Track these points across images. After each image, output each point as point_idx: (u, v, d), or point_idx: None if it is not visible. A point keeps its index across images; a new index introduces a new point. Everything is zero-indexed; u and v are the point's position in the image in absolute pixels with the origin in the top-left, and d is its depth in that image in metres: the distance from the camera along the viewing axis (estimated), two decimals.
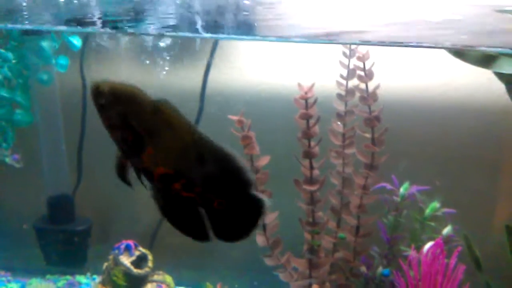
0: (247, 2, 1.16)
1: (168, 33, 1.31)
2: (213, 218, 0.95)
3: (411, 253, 1.45)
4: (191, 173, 0.91)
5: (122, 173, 0.99)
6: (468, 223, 1.53)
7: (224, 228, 0.96)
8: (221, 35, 1.49)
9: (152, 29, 1.24)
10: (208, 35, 1.36)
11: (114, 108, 0.90)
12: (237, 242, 0.97)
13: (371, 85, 1.56)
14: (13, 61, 1.75)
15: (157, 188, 0.96)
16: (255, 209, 0.94)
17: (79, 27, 1.38)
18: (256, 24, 1.28)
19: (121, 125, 0.91)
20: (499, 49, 1.17)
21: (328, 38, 1.31)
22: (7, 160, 1.80)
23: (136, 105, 0.90)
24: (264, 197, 0.94)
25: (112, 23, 1.27)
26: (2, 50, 1.73)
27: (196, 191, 0.92)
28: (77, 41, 1.76)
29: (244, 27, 1.24)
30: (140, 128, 0.91)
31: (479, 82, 1.74)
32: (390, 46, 1.47)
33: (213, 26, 1.22)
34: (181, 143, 0.91)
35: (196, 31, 1.22)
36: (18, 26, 1.58)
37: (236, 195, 0.93)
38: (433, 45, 1.23)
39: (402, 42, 1.23)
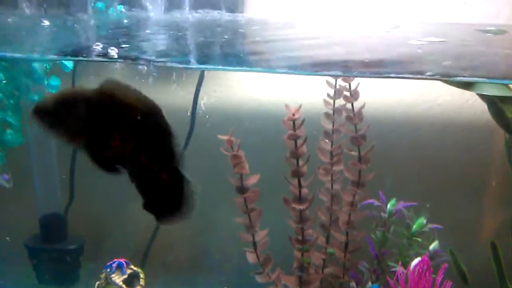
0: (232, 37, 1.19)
1: (157, 63, 1.33)
2: (152, 190, 0.98)
3: (399, 269, 1.48)
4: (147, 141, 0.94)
5: (104, 163, 0.99)
6: (454, 239, 1.56)
7: (159, 202, 1.00)
8: (209, 66, 1.53)
9: (141, 59, 1.27)
10: (195, 66, 1.39)
11: (66, 116, 0.90)
12: (167, 220, 1.01)
13: (357, 104, 1.59)
14: (4, 81, 1.76)
15: (131, 170, 0.98)
16: (182, 186, 0.99)
17: (71, 56, 1.40)
18: (242, 56, 1.32)
19: (80, 127, 0.91)
20: (480, 79, 1.21)
21: (313, 70, 1.34)
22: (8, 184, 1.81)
23: (83, 101, 0.90)
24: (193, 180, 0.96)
25: (103, 53, 1.30)
26: None
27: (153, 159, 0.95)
28: (68, 63, 1.78)
29: (231, 60, 1.27)
30: (98, 119, 0.91)
31: (463, 99, 1.78)
32: (371, 77, 1.51)
33: (202, 58, 1.26)
34: (135, 112, 0.93)
35: (186, 62, 1.25)
36: (11, 54, 1.60)
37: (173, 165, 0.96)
38: (414, 76, 1.27)
39: (383, 74, 1.26)
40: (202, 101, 1.91)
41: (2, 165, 1.82)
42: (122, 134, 0.94)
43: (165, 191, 1.00)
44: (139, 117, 0.93)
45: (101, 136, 0.94)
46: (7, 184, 1.80)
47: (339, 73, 1.43)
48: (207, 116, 1.91)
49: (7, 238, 1.98)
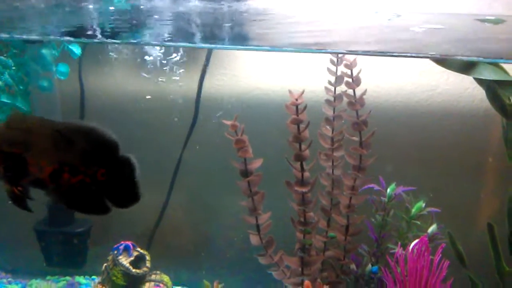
0: (241, 16, 1.23)
1: (167, 43, 1.37)
2: (103, 189, 1.03)
3: (398, 250, 1.52)
4: (69, 158, 0.99)
5: (19, 202, 1.06)
6: (452, 222, 1.60)
7: (115, 193, 1.05)
8: (218, 45, 1.56)
9: (151, 39, 1.30)
10: (206, 45, 1.42)
11: None
12: (130, 203, 1.06)
13: (358, 90, 1.63)
14: (13, 68, 1.79)
15: (53, 190, 1.02)
16: (129, 167, 1.04)
17: (79, 38, 1.44)
18: (250, 35, 1.35)
19: None
20: (477, 58, 1.25)
21: (317, 48, 1.38)
22: None
23: None
24: (130, 155, 1.03)
25: (111, 34, 1.34)
26: (3, 57, 1.77)
27: (81, 171, 1.00)
28: (76, 50, 1.82)
29: (239, 38, 1.31)
30: (12, 149, 0.98)
31: (463, 87, 1.82)
32: (375, 55, 1.55)
33: (211, 37, 1.29)
34: (48, 138, 0.99)
35: (194, 42, 1.29)
36: (20, 36, 1.64)
37: (110, 160, 1.01)
38: (416, 55, 1.30)
39: (387, 52, 1.30)
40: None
41: None
42: (37, 158, 0.99)
43: (123, 181, 1.06)
44: (49, 139, 0.99)
45: (17, 165, 0.99)
46: None
47: (344, 51, 1.46)
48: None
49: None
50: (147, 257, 1.89)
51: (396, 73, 1.84)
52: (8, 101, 1.76)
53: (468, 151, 1.84)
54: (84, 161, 1.00)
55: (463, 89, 1.82)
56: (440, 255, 1.46)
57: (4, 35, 1.62)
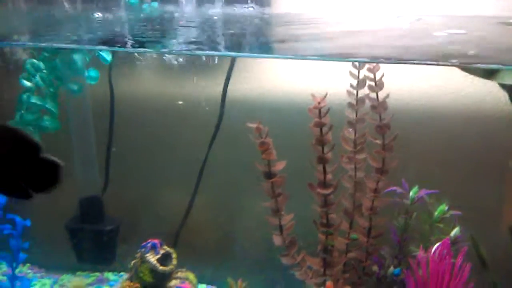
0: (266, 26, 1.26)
1: (195, 52, 1.42)
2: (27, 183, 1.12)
3: (420, 253, 1.53)
4: None
5: None
6: (475, 225, 1.60)
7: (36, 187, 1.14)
8: (243, 54, 1.60)
9: (179, 49, 1.35)
10: (233, 53, 1.46)
11: None
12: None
13: (381, 94, 1.65)
14: (45, 71, 1.85)
15: None
16: (53, 169, 1.13)
17: (110, 46, 1.50)
18: (274, 45, 1.39)
19: None
20: (499, 66, 1.25)
21: (341, 56, 1.41)
22: None
23: None
24: (55, 159, 1.12)
25: (140, 43, 1.39)
26: (35, 60, 1.85)
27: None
28: (107, 56, 1.89)
29: (264, 47, 1.35)
30: None
31: (487, 90, 1.81)
32: (398, 63, 1.56)
33: (236, 46, 1.33)
34: None
35: (221, 50, 1.33)
36: (52, 44, 1.71)
37: (31, 162, 1.10)
38: (438, 63, 1.32)
39: (408, 60, 1.32)
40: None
41: None
42: None
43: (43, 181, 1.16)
44: None
45: None
46: None
47: (367, 60, 1.49)
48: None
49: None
50: (173, 255, 1.95)
51: (419, 77, 1.85)
52: (38, 103, 1.83)
53: (492, 154, 1.83)
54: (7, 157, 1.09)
55: (487, 92, 1.81)
56: (462, 258, 1.47)
57: (37, 43, 1.70)
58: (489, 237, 1.68)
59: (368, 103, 1.67)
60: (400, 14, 1.65)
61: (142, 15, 1.79)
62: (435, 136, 1.87)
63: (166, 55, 1.93)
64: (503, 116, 1.80)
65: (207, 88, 2.00)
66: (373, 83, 1.63)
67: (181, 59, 1.87)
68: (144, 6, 1.78)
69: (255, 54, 1.69)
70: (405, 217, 1.68)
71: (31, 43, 1.78)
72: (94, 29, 1.69)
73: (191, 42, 1.42)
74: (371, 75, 1.63)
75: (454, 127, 1.85)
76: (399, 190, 1.67)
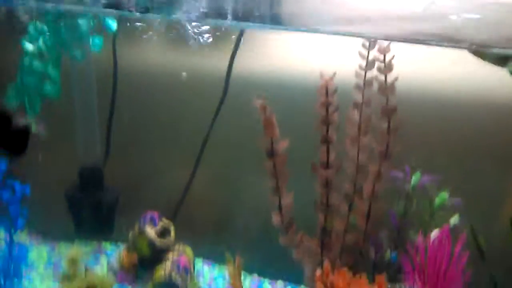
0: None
1: (206, 21, 1.38)
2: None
3: (419, 238, 1.53)
4: None
5: None
6: (476, 215, 1.59)
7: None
8: (256, 24, 1.56)
9: (190, 15, 1.31)
10: (244, 23, 1.42)
11: None
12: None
13: (390, 77, 1.62)
14: (48, 33, 1.81)
15: None
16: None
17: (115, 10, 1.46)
18: (288, 16, 1.35)
19: None
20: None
21: (354, 32, 1.37)
22: (34, 128, 1.89)
23: None
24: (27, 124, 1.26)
25: (146, 8, 1.35)
26: (38, 23, 1.81)
27: None
28: (113, 23, 1.85)
29: (277, 18, 1.31)
30: None
31: (497, 77, 1.77)
32: (411, 43, 1.53)
33: (249, 16, 1.30)
34: None
35: (232, 20, 1.30)
36: (54, 5, 1.66)
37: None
38: (453, 45, 1.29)
39: (423, 40, 1.29)
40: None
41: (36, 115, 1.90)
42: None
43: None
44: None
45: None
46: (41, 133, 1.89)
47: (381, 36, 1.45)
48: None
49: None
50: (172, 229, 1.95)
51: (429, 62, 1.81)
52: (39, 68, 1.80)
53: (500, 143, 1.81)
54: None
55: (498, 80, 1.78)
56: (461, 247, 1.46)
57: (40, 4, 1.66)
58: (489, 228, 1.68)
59: (375, 86, 1.64)
60: None
61: None
62: (442, 122, 1.84)
63: (173, 26, 1.89)
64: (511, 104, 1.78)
65: (214, 61, 1.96)
66: (382, 65, 1.60)
67: (188, 31, 1.83)
68: None
69: (269, 26, 1.64)
70: (405, 202, 1.68)
71: (33, 3, 1.73)
72: None
73: (198, 11, 1.39)
74: (381, 57, 1.59)
75: (462, 114, 1.83)
76: (401, 175, 1.66)
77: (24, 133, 1.28)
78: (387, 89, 1.61)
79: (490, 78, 1.78)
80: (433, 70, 1.83)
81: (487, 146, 1.82)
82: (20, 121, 1.27)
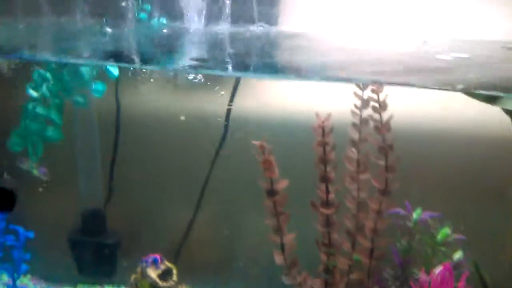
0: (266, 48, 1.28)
1: (201, 71, 1.44)
2: None
3: (422, 275, 1.52)
4: None
5: None
6: (478, 250, 1.59)
7: None
8: (248, 74, 1.62)
9: (185, 66, 1.37)
10: (237, 74, 1.48)
11: None
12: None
13: (385, 115, 1.65)
14: (52, 82, 1.86)
15: None
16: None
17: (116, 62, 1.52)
18: (279, 66, 1.41)
19: None
20: (499, 93, 1.26)
21: (344, 79, 1.42)
22: (35, 172, 1.92)
23: None
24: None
25: (146, 60, 1.41)
26: (42, 70, 1.87)
27: None
28: (114, 70, 1.91)
29: (269, 68, 1.37)
30: None
31: (491, 113, 1.80)
32: (402, 86, 1.57)
33: (242, 66, 1.35)
34: None
35: (226, 70, 1.35)
36: (57, 59, 1.73)
37: None
38: (440, 88, 1.32)
39: (412, 85, 1.33)
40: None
41: (39, 159, 1.93)
42: None
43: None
44: None
45: None
46: (44, 177, 1.93)
47: (369, 80, 1.50)
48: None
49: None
50: (174, 271, 1.94)
51: (424, 98, 1.85)
52: (43, 113, 1.85)
53: (496, 178, 1.82)
54: None
55: (491, 115, 1.81)
56: (465, 283, 1.45)
57: (45, 58, 1.72)
58: (492, 262, 1.66)
59: (372, 124, 1.67)
60: (408, 36, 1.66)
61: (150, 31, 1.81)
62: (439, 159, 1.86)
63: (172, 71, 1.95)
64: (507, 140, 1.80)
65: (212, 104, 2.01)
66: (376, 104, 1.63)
67: (187, 77, 1.89)
68: (153, 21, 1.81)
69: (258, 75, 1.71)
70: (407, 239, 1.67)
71: (39, 58, 1.80)
72: (103, 44, 1.71)
73: (197, 61, 1.44)
74: (375, 96, 1.63)
75: (458, 150, 1.85)
76: (402, 212, 1.67)
77: (11, 194, 1.30)
78: (382, 127, 1.64)
79: (485, 113, 1.81)
80: (427, 106, 1.86)
81: (484, 180, 1.83)
82: (6, 182, 1.31)
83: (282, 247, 1.70)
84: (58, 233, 2.12)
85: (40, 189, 2.09)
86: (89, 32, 1.81)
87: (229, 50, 1.45)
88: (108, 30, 1.75)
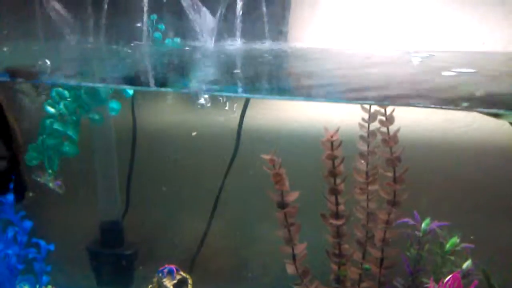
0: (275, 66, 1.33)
1: (211, 92, 1.50)
2: None
3: (430, 284, 1.54)
4: None
5: None
6: (488, 259, 1.61)
7: None
8: (256, 95, 1.68)
9: (196, 88, 1.43)
10: (246, 95, 1.54)
11: None
12: None
13: (392, 127, 1.69)
14: (69, 99, 1.94)
15: None
16: None
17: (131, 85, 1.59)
18: (286, 88, 1.46)
19: None
20: (502, 111, 1.29)
21: (348, 99, 1.47)
22: (50, 185, 1.99)
23: None
24: None
25: (161, 84, 1.48)
26: (60, 89, 1.94)
27: None
28: (129, 90, 1.98)
29: (277, 90, 1.43)
30: None
31: (500, 122, 1.83)
32: (409, 106, 1.61)
33: (250, 89, 1.41)
34: None
35: (236, 91, 1.41)
36: (75, 83, 1.81)
37: None
38: (446, 107, 1.36)
39: (418, 103, 1.37)
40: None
41: (55, 172, 2.00)
42: None
43: None
44: None
45: None
46: (60, 189, 2.00)
47: (374, 102, 1.55)
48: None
49: None
50: (189, 281, 1.99)
51: (431, 109, 1.88)
52: (60, 129, 1.92)
53: (505, 187, 1.84)
54: None
55: (500, 125, 1.83)
56: None
57: (60, 81, 1.80)
58: (502, 271, 1.68)
59: (379, 136, 1.71)
60: (413, 50, 1.70)
61: (165, 50, 1.87)
62: (447, 169, 1.89)
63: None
64: None
65: (225, 119, 2.07)
66: (383, 118, 1.67)
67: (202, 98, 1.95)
68: (167, 41, 1.87)
69: (268, 96, 1.76)
70: (417, 248, 1.70)
71: (55, 81, 1.88)
72: (117, 67, 1.78)
73: (209, 82, 1.51)
74: (382, 110, 1.67)
75: (466, 160, 1.87)
76: (411, 221, 1.70)
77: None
78: (390, 140, 1.68)
79: (492, 123, 1.84)
80: (436, 117, 1.90)
81: (493, 190, 1.85)
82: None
83: (294, 257, 1.74)
84: (77, 245, 2.19)
85: (60, 204, 2.18)
86: (104, 53, 1.88)
87: (239, 70, 1.51)
88: (123, 51, 1.82)
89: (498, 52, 1.63)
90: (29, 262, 1.91)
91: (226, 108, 2.03)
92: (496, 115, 1.35)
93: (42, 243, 1.89)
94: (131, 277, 2.17)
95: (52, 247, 1.91)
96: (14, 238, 1.85)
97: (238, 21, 1.74)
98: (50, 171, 1.95)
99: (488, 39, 1.62)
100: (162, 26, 1.82)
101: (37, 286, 1.96)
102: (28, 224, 1.86)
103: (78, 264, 2.21)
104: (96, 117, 1.99)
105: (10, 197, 1.82)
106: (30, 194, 1.91)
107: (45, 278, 1.94)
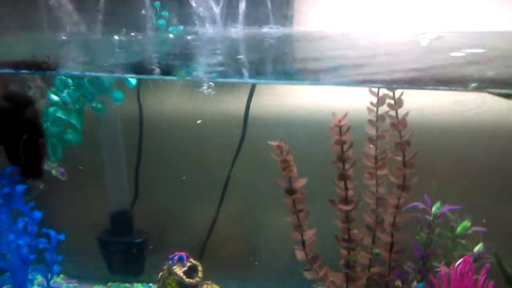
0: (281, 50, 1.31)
1: (217, 80, 1.48)
2: None
3: (441, 268, 1.54)
4: None
5: None
6: (499, 242, 1.59)
7: None
8: (262, 81, 1.66)
9: (202, 76, 1.42)
10: (252, 80, 1.52)
11: None
12: None
13: (401, 111, 1.66)
14: (72, 88, 1.93)
15: None
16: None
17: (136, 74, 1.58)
18: (292, 71, 1.44)
19: None
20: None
21: (357, 82, 1.45)
22: (54, 172, 1.99)
23: None
24: None
25: (165, 72, 1.46)
26: (63, 77, 1.92)
27: None
28: (132, 79, 1.97)
29: (282, 74, 1.41)
30: None
31: (510, 104, 1.80)
32: (418, 89, 1.58)
33: (256, 73, 1.39)
34: None
35: (242, 77, 1.40)
36: (78, 73, 1.81)
37: None
38: (455, 89, 1.33)
39: (429, 86, 1.34)
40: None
41: (58, 160, 2.01)
42: None
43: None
44: None
45: None
46: (63, 177, 2.00)
47: (387, 85, 1.52)
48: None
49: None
50: (199, 268, 2.00)
51: (440, 92, 1.85)
52: (63, 117, 1.91)
53: None
54: None
55: (510, 107, 1.80)
56: (485, 275, 1.46)
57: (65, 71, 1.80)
58: None
59: (388, 120, 1.69)
60: (421, 31, 1.67)
61: (169, 38, 1.85)
62: (458, 152, 1.87)
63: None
64: None
65: (231, 106, 2.06)
66: (392, 101, 1.65)
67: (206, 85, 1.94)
68: (171, 28, 1.85)
69: (274, 81, 1.74)
70: (427, 232, 1.69)
71: (58, 72, 1.87)
72: (122, 55, 1.77)
73: (214, 68, 1.49)
74: (390, 93, 1.65)
75: (477, 142, 1.85)
76: (421, 205, 1.68)
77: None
78: (399, 123, 1.66)
79: (502, 105, 1.80)
80: (445, 99, 1.87)
81: (505, 172, 1.83)
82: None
83: (303, 243, 1.74)
84: (88, 234, 2.20)
85: (70, 194, 2.19)
86: (108, 42, 1.86)
87: (244, 55, 1.49)
88: (127, 39, 1.80)
89: (508, 32, 1.59)
90: (40, 252, 1.93)
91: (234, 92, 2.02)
92: (507, 96, 1.32)
93: (52, 233, 1.90)
94: (141, 265, 2.19)
95: (62, 237, 1.92)
96: (24, 228, 1.86)
97: (243, 6, 1.71)
98: (53, 159, 1.96)
99: (497, 19, 1.59)
100: (166, 14, 1.80)
101: (49, 276, 1.98)
102: (37, 214, 1.87)
103: (89, 253, 2.23)
104: (99, 106, 1.98)
105: (20, 188, 1.83)
106: (41, 186, 1.93)
107: (56, 268, 1.96)
